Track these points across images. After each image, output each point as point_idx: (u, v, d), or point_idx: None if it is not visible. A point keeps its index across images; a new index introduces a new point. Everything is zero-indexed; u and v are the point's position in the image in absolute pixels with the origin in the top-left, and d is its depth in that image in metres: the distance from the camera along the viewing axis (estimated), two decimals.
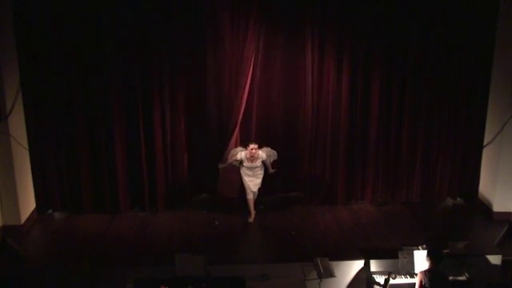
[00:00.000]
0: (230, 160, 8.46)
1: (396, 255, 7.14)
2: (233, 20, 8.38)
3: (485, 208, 8.95)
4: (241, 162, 8.37)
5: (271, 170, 8.50)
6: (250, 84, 8.58)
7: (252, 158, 8.30)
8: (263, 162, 8.40)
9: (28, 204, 8.51)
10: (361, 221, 8.68)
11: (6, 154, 7.96)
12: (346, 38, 8.55)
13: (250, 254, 7.80)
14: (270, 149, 8.49)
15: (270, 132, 8.92)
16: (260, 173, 8.45)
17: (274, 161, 8.53)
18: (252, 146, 8.26)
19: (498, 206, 8.73)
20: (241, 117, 8.63)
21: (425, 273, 6.37)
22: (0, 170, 7.99)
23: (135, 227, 8.45)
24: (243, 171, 8.43)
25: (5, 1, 7.87)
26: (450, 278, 6.82)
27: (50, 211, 8.88)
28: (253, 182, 8.43)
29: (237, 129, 8.69)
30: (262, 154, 8.34)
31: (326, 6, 8.42)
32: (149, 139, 8.69)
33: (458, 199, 9.43)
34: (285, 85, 8.75)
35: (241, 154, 8.34)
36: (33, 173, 8.60)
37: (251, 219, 8.58)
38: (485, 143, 9.05)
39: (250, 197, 8.52)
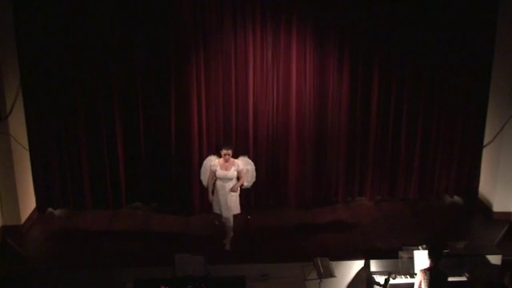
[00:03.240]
0: (204, 175, 7.66)
1: (396, 255, 7.15)
2: (234, 19, 8.38)
3: (485, 208, 8.95)
4: (214, 174, 7.50)
5: (234, 191, 7.43)
6: (249, 84, 8.61)
7: (226, 165, 7.42)
8: (237, 176, 7.49)
9: (28, 204, 8.51)
10: (361, 221, 8.68)
11: (6, 154, 7.96)
12: (346, 37, 8.57)
13: (250, 254, 7.79)
14: (247, 159, 7.72)
15: (269, 132, 8.90)
16: (232, 191, 7.47)
17: (251, 187, 7.80)
18: (225, 151, 7.36)
19: (498, 206, 8.72)
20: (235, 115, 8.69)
21: (424, 272, 6.37)
22: (0, 170, 7.99)
23: (135, 227, 8.46)
24: (217, 186, 7.52)
25: (5, 1, 7.87)
26: (450, 278, 6.82)
27: (50, 210, 8.88)
28: (224, 200, 7.48)
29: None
30: (238, 161, 7.52)
31: (326, 7, 8.43)
32: (149, 138, 8.70)
33: (456, 197, 9.43)
34: (284, 84, 8.74)
35: (215, 161, 7.50)
36: (33, 172, 8.61)
37: (227, 246, 7.73)
38: (485, 143, 9.06)
39: (222, 220, 7.67)
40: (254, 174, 7.75)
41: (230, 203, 7.53)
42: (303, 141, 8.94)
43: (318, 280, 6.77)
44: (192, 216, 8.78)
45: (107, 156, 8.68)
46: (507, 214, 8.65)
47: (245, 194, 8.83)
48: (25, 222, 8.29)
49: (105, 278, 7.18)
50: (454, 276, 7.02)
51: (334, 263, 6.99)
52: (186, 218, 8.72)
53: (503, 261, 7.58)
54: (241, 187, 7.64)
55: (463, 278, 7.12)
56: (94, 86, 8.41)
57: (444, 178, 9.29)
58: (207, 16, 8.32)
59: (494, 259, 7.58)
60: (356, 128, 8.94)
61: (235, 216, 7.70)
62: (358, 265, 7.45)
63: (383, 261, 7.23)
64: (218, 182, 7.52)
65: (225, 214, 7.57)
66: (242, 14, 8.38)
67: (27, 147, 8.47)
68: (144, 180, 8.89)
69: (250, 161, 7.76)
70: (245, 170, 7.58)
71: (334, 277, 6.91)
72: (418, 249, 7.14)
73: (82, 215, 8.78)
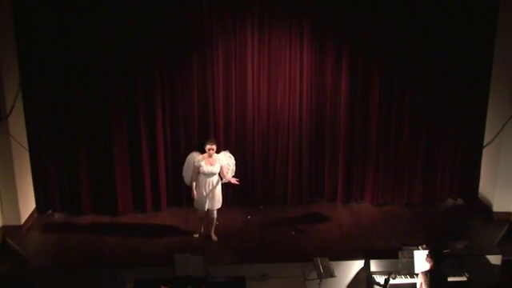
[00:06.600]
0: (187, 172, 7.78)
1: (396, 255, 7.15)
2: (233, 18, 8.38)
3: (485, 208, 8.95)
4: (198, 170, 7.59)
5: (234, 181, 7.77)
6: (248, 84, 8.61)
7: (210, 160, 7.55)
8: (219, 172, 7.65)
9: (28, 204, 8.50)
10: (361, 221, 8.68)
11: (6, 154, 7.95)
12: (345, 37, 8.56)
13: (250, 254, 7.79)
14: (228, 153, 7.89)
15: (269, 132, 8.89)
16: (218, 186, 7.68)
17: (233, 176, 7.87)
18: (209, 146, 7.53)
19: (498, 206, 8.71)
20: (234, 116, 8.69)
21: (425, 274, 6.37)
22: (0, 170, 7.99)
23: (135, 227, 8.45)
24: (200, 182, 7.61)
25: (5, 1, 7.87)
26: (450, 278, 6.83)
27: (49, 212, 8.86)
28: (213, 194, 7.65)
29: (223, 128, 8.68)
30: (221, 156, 7.72)
31: (325, 5, 8.43)
32: (148, 140, 8.67)
33: (459, 199, 9.42)
34: (283, 84, 8.73)
35: (198, 157, 7.60)
36: (33, 173, 8.59)
37: (214, 238, 7.97)
38: (485, 143, 9.06)
39: (203, 215, 7.85)
40: (234, 168, 7.93)
41: (218, 197, 7.74)
42: (303, 143, 8.94)
43: (318, 280, 6.78)
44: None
45: (106, 159, 8.60)
46: (507, 213, 8.65)
47: (243, 195, 8.88)
48: (25, 222, 8.29)
49: (105, 278, 7.18)
50: (453, 276, 7.03)
51: (333, 263, 7.00)
52: (185, 217, 8.72)
53: (503, 261, 7.58)
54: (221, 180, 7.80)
55: (463, 278, 7.13)
56: (94, 87, 8.37)
57: (446, 180, 9.25)
58: (206, 16, 8.32)
59: (494, 259, 7.58)
60: (355, 130, 8.91)
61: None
62: (358, 265, 7.45)
63: (383, 261, 7.24)
64: (202, 178, 7.63)
65: (211, 206, 7.74)
66: (241, 13, 8.37)
67: (27, 147, 8.47)
68: (144, 186, 8.79)
69: (231, 155, 7.92)
70: (227, 165, 7.75)
71: (334, 277, 6.92)
72: (418, 249, 7.15)
73: (82, 216, 8.75)
